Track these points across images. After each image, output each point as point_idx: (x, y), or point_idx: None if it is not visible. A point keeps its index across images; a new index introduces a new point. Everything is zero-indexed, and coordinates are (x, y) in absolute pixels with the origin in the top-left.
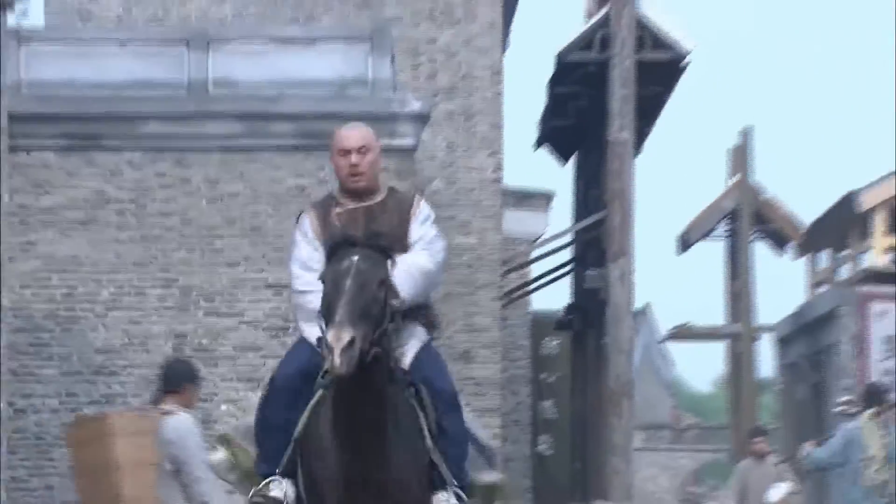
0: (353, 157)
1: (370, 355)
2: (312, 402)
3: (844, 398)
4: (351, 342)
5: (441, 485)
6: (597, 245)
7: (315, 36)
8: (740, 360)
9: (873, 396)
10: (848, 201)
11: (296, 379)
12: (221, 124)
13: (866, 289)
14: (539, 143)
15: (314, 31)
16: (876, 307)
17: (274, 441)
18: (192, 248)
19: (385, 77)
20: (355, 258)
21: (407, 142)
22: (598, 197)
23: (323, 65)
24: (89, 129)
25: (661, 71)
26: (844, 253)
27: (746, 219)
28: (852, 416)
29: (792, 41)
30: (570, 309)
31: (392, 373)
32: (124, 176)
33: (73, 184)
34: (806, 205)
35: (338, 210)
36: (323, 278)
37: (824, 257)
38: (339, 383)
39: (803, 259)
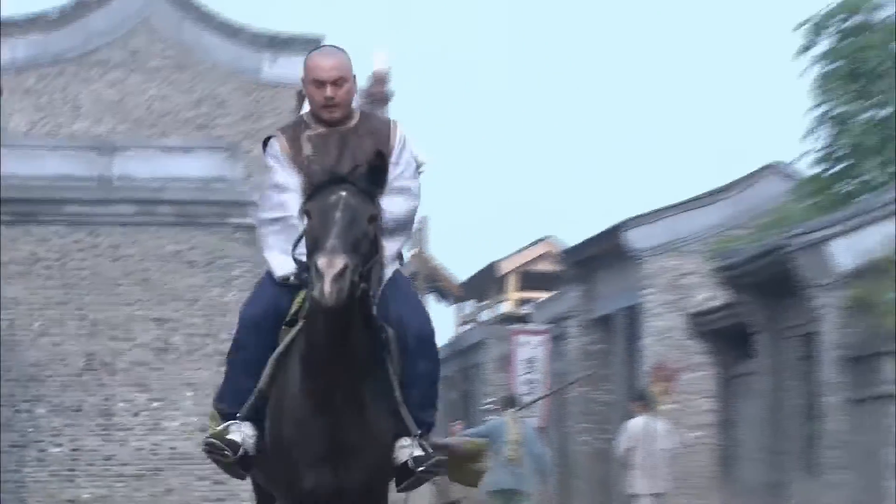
0: (329, 90)
1: (358, 290)
2: (278, 350)
3: (490, 400)
4: (343, 270)
5: (405, 432)
6: None
7: (190, 146)
8: None
9: (512, 401)
10: (490, 267)
11: (262, 319)
12: (122, 206)
13: (515, 326)
14: None
15: (189, 142)
16: (520, 338)
17: (240, 382)
18: (100, 293)
19: (238, 175)
20: (343, 193)
21: (255, 221)
22: None
23: (195, 165)
24: (27, 208)
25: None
26: (484, 303)
27: (421, 279)
28: (498, 412)
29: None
30: None
31: (369, 319)
32: (51, 242)
33: (15, 248)
34: (460, 268)
35: (308, 133)
36: (308, 211)
37: (467, 306)
38: (325, 318)
39: (453, 306)
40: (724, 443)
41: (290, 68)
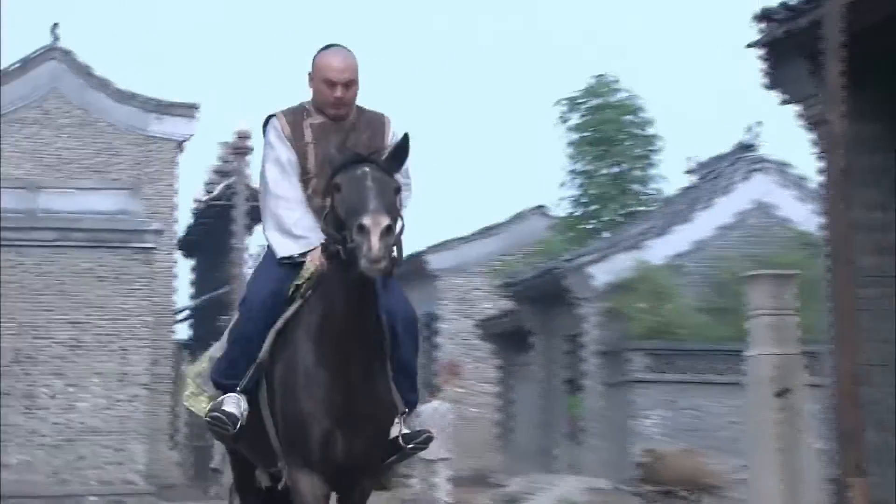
0: (339, 91)
1: (392, 259)
2: (278, 324)
3: None
4: (389, 227)
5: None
6: None
7: (100, 186)
8: None
9: None
10: None
11: (269, 297)
12: (45, 233)
13: None
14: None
15: (100, 183)
16: None
17: (237, 356)
18: (27, 301)
19: (138, 209)
20: (367, 168)
21: (150, 245)
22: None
23: (104, 201)
24: None
25: None
26: None
27: None
28: None
29: None
30: None
31: (377, 298)
32: None
33: None
34: None
35: (311, 121)
36: (337, 184)
37: None
38: (361, 281)
39: None
40: (503, 417)
41: (171, 126)
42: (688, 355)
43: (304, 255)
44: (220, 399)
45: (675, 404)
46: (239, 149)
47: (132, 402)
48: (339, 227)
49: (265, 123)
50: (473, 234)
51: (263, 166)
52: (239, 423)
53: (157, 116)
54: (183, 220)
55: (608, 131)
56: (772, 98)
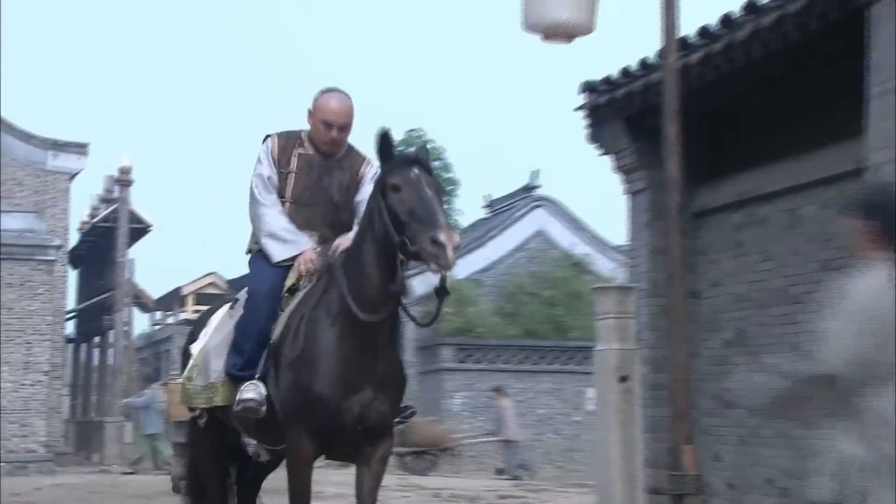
0: (335, 133)
1: None
2: (289, 309)
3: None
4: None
5: None
6: None
7: (11, 209)
8: None
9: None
10: (176, 290)
11: (270, 292)
12: None
13: None
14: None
15: (12, 207)
16: None
17: (253, 347)
18: None
19: (42, 228)
20: (418, 171)
21: (52, 258)
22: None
23: (17, 221)
24: None
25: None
26: (170, 312)
27: (130, 297)
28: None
29: None
30: None
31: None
32: None
33: None
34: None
35: (300, 151)
36: (395, 185)
37: (158, 314)
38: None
39: (148, 314)
40: None
41: (65, 162)
42: (486, 349)
43: (294, 257)
44: (241, 389)
45: (476, 387)
46: (122, 181)
47: (35, 386)
48: (396, 223)
49: (263, 140)
50: None
51: (251, 178)
52: (264, 406)
53: (53, 153)
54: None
55: None
56: (555, 148)
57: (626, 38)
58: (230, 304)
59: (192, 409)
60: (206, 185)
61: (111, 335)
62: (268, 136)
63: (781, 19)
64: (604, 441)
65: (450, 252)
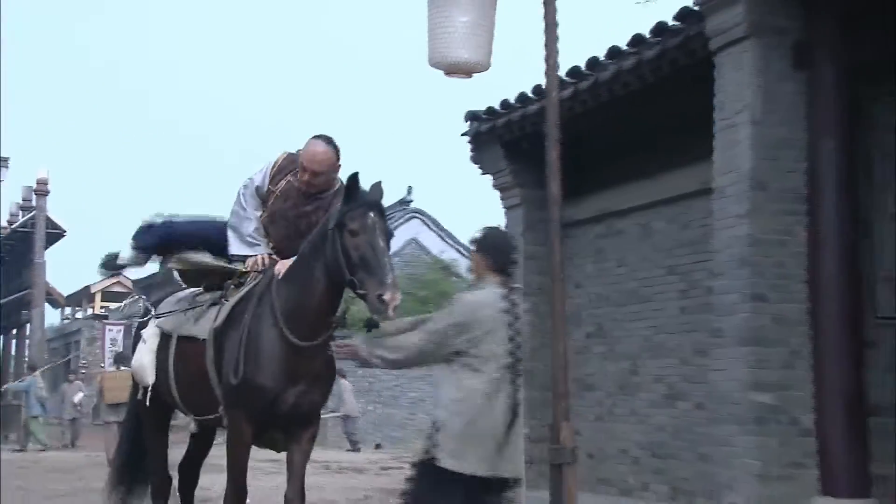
0: (307, 176)
1: None
2: (233, 300)
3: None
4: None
5: None
6: None
7: None
8: None
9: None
10: (86, 288)
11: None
12: None
13: (105, 320)
14: None
15: None
16: (108, 327)
17: None
18: None
19: None
20: (375, 217)
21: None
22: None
23: None
24: None
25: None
26: (79, 308)
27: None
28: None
29: None
30: None
31: None
32: None
33: None
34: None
35: (291, 178)
36: (353, 230)
37: (68, 310)
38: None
39: (58, 309)
40: None
41: None
42: None
43: (247, 256)
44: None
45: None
46: (40, 191)
47: None
48: (349, 265)
49: (281, 153)
50: None
51: (245, 179)
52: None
53: None
54: None
55: None
56: (431, 168)
57: (505, 73)
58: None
59: (142, 389)
60: (114, 194)
61: (28, 328)
62: (284, 151)
63: (639, 64)
64: None
65: (391, 311)
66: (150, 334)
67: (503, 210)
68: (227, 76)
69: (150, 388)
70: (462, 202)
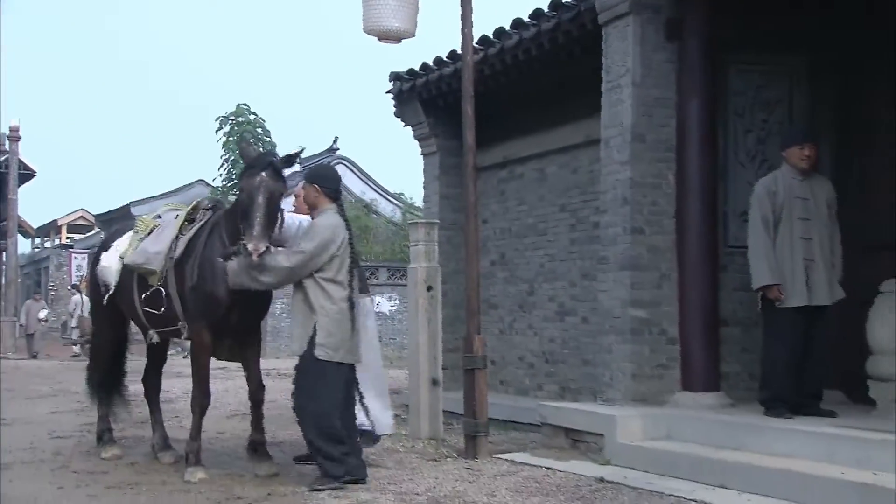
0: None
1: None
2: (192, 232)
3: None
4: (263, 252)
5: None
6: None
7: None
8: None
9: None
10: (53, 221)
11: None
12: None
13: (71, 249)
14: None
15: None
16: (74, 256)
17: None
18: None
19: None
20: (264, 175)
21: None
22: None
23: None
24: None
25: None
26: (48, 238)
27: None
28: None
29: None
30: None
31: None
32: None
33: None
34: (35, 220)
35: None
36: (242, 187)
37: (38, 240)
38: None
39: (29, 239)
40: None
41: None
42: None
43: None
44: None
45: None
46: (12, 137)
47: None
48: (241, 215)
49: None
50: (163, 195)
51: None
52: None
53: None
54: None
55: (244, 136)
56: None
57: (423, 40)
58: (133, 230)
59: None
60: (80, 139)
61: (4, 256)
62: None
63: (538, 34)
64: (415, 333)
65: (255, 258)
66: (123, 242)
67: (422, 157)
68: (228, 48)
69: (110, 290)
70: (385, 152)
